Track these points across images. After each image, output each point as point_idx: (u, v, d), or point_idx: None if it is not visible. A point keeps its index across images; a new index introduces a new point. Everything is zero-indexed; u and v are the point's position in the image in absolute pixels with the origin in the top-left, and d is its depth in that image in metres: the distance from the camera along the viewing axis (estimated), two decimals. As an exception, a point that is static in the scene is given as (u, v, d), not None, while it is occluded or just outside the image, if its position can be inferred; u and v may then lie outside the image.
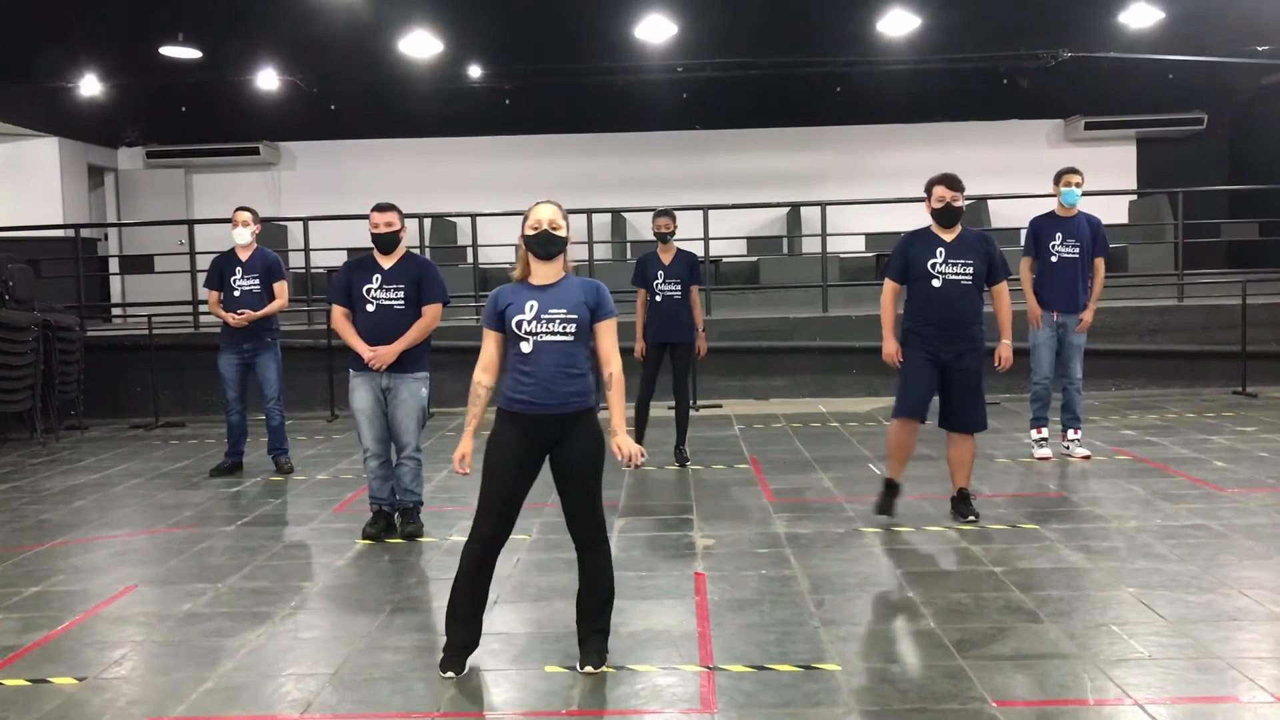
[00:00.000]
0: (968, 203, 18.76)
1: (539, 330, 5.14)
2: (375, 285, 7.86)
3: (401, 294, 7.86)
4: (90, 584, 7.00)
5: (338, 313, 8.01)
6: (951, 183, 7.81)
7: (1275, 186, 17.14)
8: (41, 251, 16.18)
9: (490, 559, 5.33)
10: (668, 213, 10.37)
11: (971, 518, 7.90)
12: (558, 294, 5.23)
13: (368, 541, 7.88)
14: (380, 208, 7.95)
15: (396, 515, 8.12)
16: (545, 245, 5.25)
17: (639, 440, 10.23)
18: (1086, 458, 10.11)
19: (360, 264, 8.01)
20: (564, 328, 5.15)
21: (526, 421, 5.17)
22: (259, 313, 10.26)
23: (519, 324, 5.16)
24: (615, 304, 5.35)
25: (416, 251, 8.22)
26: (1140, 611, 5.89)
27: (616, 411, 5.28)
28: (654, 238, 10.36)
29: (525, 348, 5.16)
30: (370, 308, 7.85)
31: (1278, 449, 10.42)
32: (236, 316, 10.14)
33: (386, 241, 7.90)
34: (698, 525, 8.10)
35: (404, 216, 8.05)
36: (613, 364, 5.29)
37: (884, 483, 8.13)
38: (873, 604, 6.25)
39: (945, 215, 7.81)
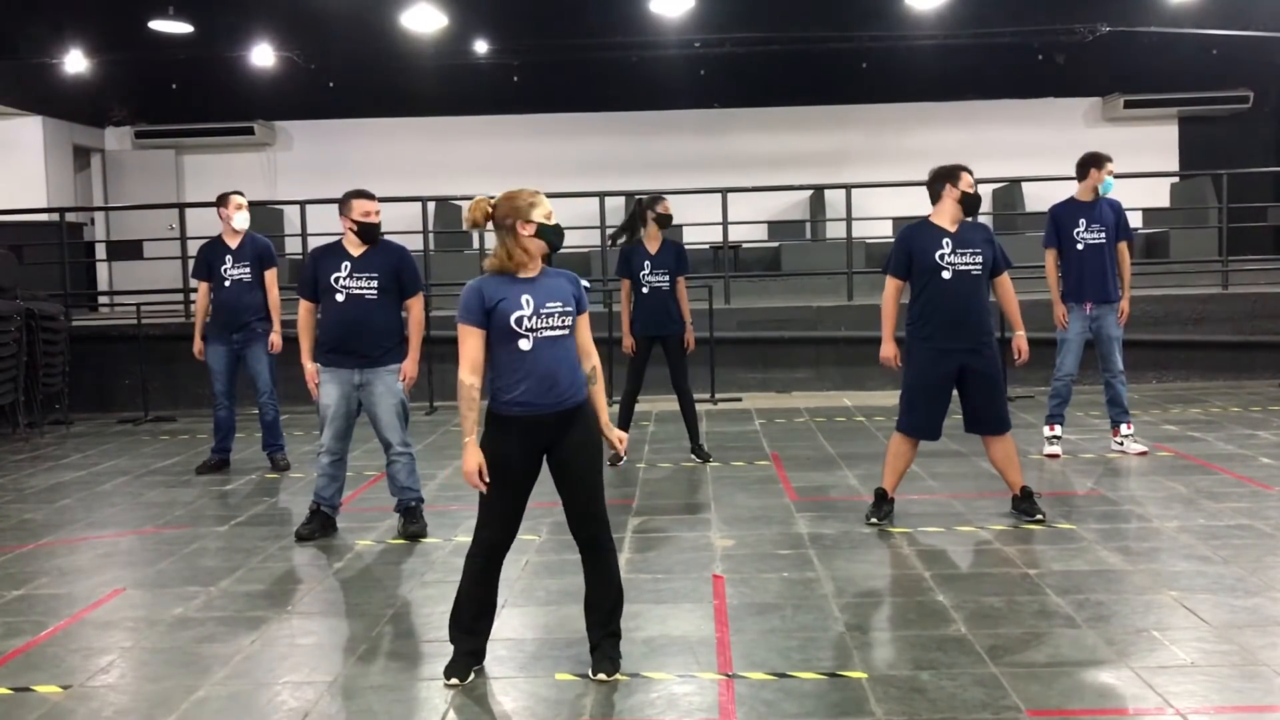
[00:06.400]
0: (1000, 185, 18.93)
1: (539, 326, 5.12)
2: (344, 273, 7.76)
3: (375, 283, 7.78)
4: (76, 587, 7.02)
5: (303, 309, 8.01)
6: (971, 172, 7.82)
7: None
8: (24, 236, 16.23)
9: (495, 565, 5.34)
10: (664, 199, 10.30)
11: (1039, 517, 7.86)
12: (547, 286, 5.20)
13: (323, 540, 7.96)
14: (367, 195, 7.89)
15: (398, 516, 8.11)
16: (557, 238, 5.24)
17: None
18: (1143, 454, 10.04)
19: (328, 251, 7.93)
20: (563, 321, 5.15)
21: (524, 424, 5.15)
22: (276, 329, 10.44)
23: (519, 321, 5.11)
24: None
25: (389, 238, 8.14)
26: (1183, 616, 5.88)
27: (602, 406, 5.32)
28: (654, 222, 10.12)
29: (524, 345, 5.11)
30: (339, 297, 7.77)
31: (1329, 445, 10.39)
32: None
33: (370, 233, 7.84)
34: (716, 525, 8.09)
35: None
36: (594, 357, 5.33)
37: (876, 492, 8.14)
38: (900, 608, 6.24)
39: (972, 203, 7.79)
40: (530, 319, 5.11)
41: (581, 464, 5.22)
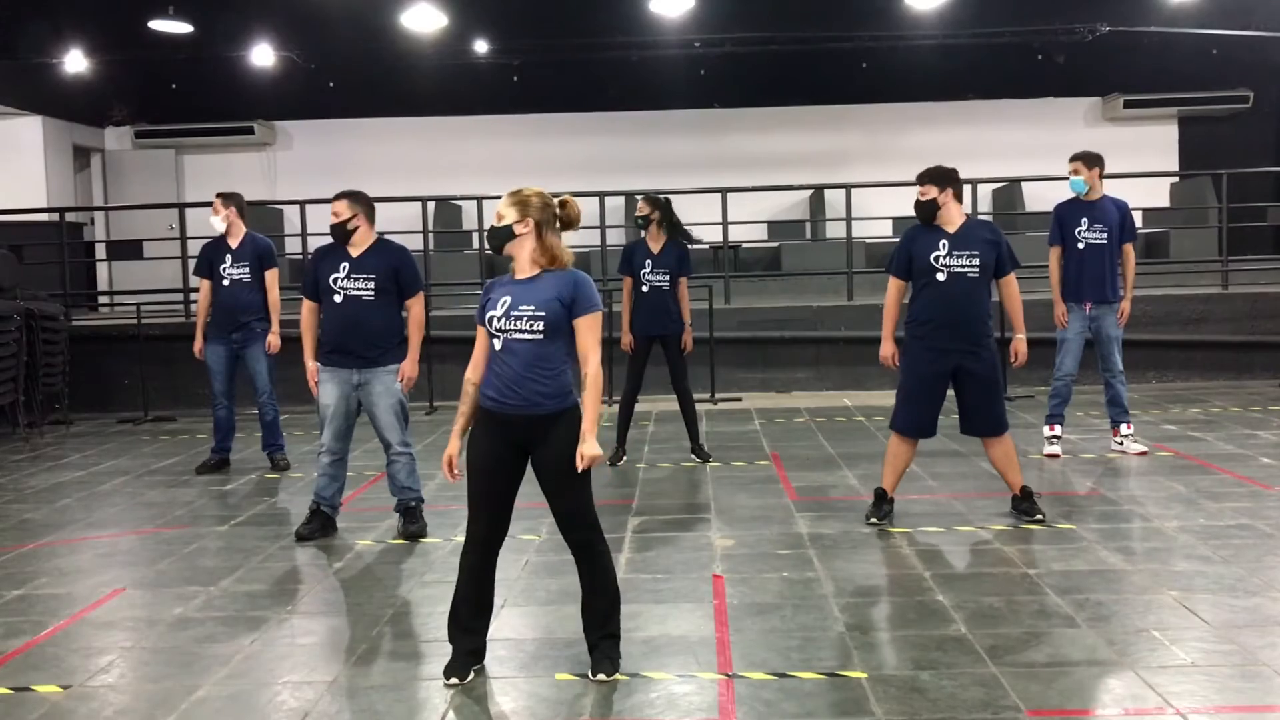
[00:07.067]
0: (1000, 185, 18.89)
1: (508, 328, 5.15)
2: (342, 274, 7.77)
3: (373, 284, 7.78)
4: (76, 587, 7.02)
5: (305, 309, 8.02)
6: (923, 177, 7.79)
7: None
8: (24, 236, 16.20)
9: (489, 562, 5.35)
10: (649, 198, 10.28)
11: (1039, 517, 7.86)
12: (532, 289, 5.20)
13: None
14: (338, 196, 7.90)
15: (398, 516, 8.11)
16: (489, 239, 5.33)
17: (621, 439, 10.31)
18: (1143, 453, 10.04)
19: (329, 251, 7.93)
20: (532, 325, 5.13)
21: (497, 420, 5.20)
22: (275, 329, 10.40)
23: (490, 320, 5.18)
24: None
25: (390, 238, 8.15)
26: (1183, 616, 5.88)
27: (589, 414, 5.19)
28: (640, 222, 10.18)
29: (496, 344, 5.18)
30: (338, 298, 7.78)
31: (1329, 445, 10.38)
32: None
33: (337, 234, 7.84)
34: (716, 525, 8.09)
35: (368, 202, 7.93)
36: (590, 362, 5.22)
37: (875, 492, 8.15)
38: (900, 608, 6.24)
39: (917, 211, 7.82)
40: (500, 320, 5.16)
41: (561, 468, 5.19)
